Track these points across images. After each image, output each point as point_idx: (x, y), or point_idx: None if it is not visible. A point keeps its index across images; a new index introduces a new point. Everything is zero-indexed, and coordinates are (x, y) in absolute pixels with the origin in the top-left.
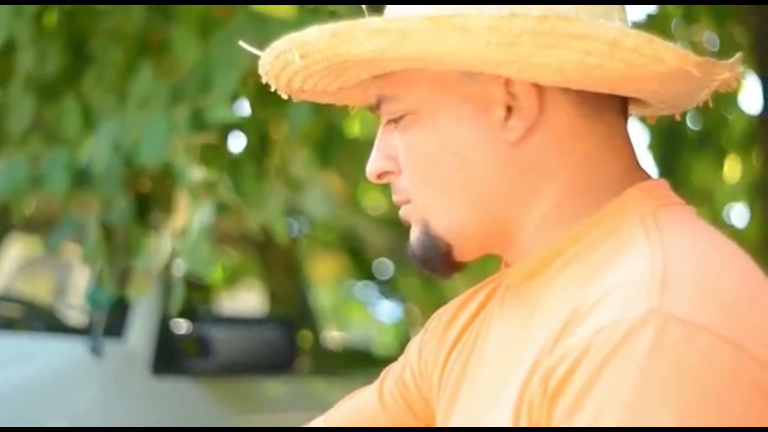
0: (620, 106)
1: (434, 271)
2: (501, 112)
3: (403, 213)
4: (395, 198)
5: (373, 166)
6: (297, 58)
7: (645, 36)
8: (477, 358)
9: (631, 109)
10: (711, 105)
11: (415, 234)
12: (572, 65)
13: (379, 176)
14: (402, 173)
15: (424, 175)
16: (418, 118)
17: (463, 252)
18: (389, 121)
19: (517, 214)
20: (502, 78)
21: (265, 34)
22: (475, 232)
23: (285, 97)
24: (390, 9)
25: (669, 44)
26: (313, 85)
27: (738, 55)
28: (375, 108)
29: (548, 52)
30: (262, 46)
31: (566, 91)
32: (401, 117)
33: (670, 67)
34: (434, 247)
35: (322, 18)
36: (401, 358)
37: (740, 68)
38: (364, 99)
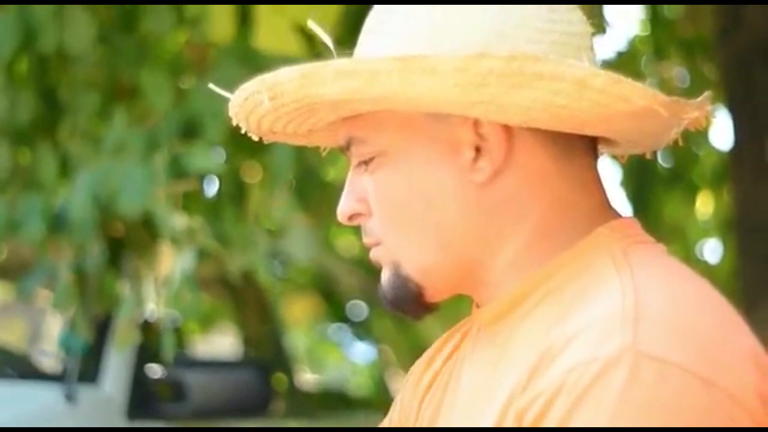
0: (590, 145)
1: (406, 312)
2: (470, 154)
3: (374, 255)
4: (365, 240)
5: (343, 207)
6: (266, 100)
7: (613, 76)
8: (450, 401)
9: (602, 147)
10: (681, 142)
11: (385, 276)
12: (540, 105)
13: (350, 218)
14: (372, 215)
15: (393, 217)
16: (388, 160)
17: (434, 293)
18: (360, 163)
19: (487, 254)
20: (470, 119)
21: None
22: (446, 273)
23: (256, 138)
24: (360, 49)
25: (637, 84)
26: (282, 126)
27: (706, 93)
28: (345, 150)
29: (516, 92)
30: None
31: (535, 131)
32: (371, 159)
33: (636, 107)
34: (405, 288)
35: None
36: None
37: (709, 107)
38: (334, 141)
